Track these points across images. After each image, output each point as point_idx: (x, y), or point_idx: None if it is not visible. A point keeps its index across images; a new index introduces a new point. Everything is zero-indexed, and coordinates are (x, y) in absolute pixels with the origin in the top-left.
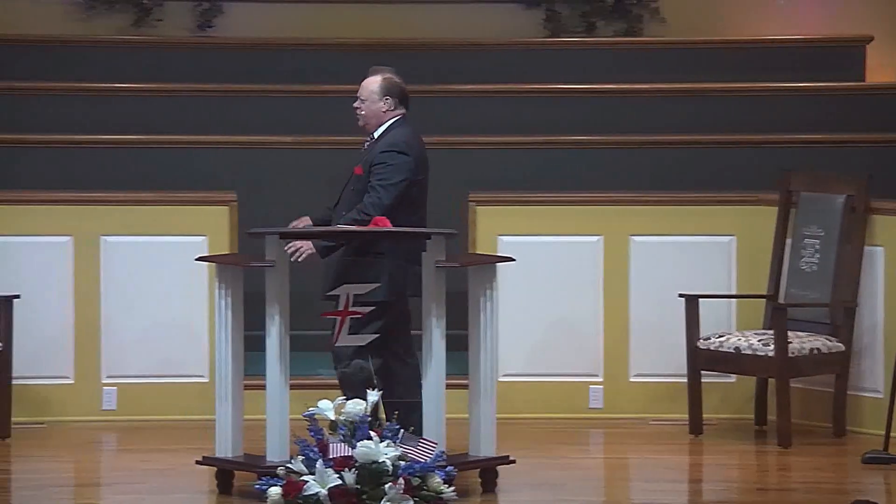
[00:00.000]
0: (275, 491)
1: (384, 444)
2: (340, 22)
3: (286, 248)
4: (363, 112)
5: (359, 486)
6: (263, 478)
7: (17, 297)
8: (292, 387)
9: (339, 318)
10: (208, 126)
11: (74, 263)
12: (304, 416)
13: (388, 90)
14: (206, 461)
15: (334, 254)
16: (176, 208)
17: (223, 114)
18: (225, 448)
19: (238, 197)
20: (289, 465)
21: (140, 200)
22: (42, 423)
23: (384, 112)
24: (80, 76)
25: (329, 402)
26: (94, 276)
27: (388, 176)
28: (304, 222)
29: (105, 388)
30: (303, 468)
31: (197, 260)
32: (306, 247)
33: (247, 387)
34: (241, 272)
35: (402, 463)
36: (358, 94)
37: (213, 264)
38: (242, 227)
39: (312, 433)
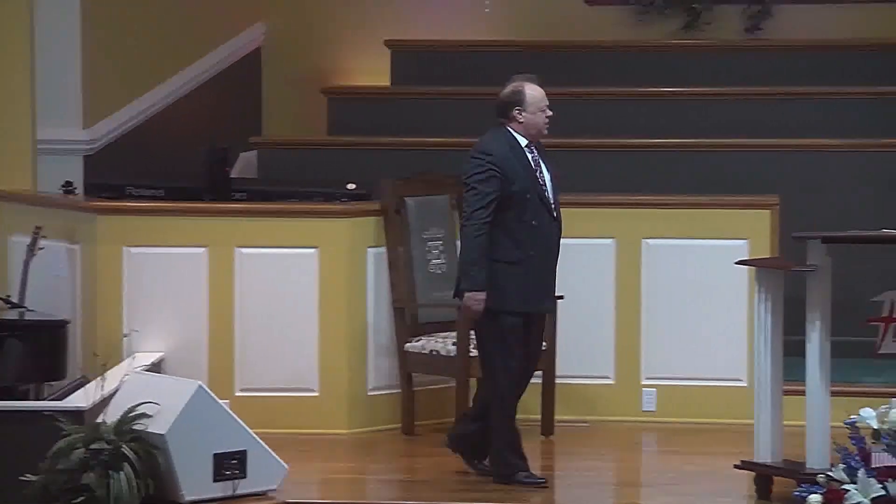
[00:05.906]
0: (815, 499)
1: None
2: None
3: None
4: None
5: None
6: (803, 485)
7: (562, 297)
8: (833, 393)
9: (882, 324)
10: (753, 128)
11: (616, 265)
12: (846, 424)
13: None
14: (745, 465)
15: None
16: (718, 211)
17: (767, 116)
18: (764, 453)
19: (781, 200)
20: (829, 474)
21: (682, 204)
22: (585, 422)
23: None
24: (632, 80)
25: (872, 410)
26: (635, 277)
27: None
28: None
29: (645, 389)
30: (844, 477)
31: (737, 263)
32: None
33: (786, 392)
34: (781, 276)
35: None
36: (547, 105)
37: (754, 268)
38: (785, 231)
39: (854, 442)
